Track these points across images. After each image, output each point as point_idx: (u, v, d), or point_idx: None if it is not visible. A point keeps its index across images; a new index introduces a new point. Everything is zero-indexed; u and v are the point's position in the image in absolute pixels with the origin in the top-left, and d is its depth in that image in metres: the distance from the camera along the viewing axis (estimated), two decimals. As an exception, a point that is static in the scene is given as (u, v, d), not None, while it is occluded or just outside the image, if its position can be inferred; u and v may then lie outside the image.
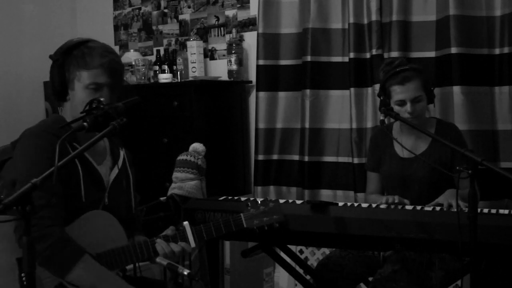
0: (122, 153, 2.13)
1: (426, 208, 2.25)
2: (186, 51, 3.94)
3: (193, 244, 1.97)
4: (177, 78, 3.93)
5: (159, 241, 1.94)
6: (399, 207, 2.31)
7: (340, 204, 2.36)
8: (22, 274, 1.73)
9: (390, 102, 2.52)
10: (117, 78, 1.97)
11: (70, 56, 1.94)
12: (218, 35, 4.04)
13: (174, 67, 4.02)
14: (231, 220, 2.02)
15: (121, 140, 2.18)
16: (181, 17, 4.25)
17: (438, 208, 2.25)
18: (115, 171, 2.05)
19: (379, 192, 2.72)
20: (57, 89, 1.96)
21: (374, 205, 2.35)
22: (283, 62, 3.64)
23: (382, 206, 2.33)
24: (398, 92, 2.49)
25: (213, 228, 2.01)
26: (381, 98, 2.54)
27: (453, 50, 3.06)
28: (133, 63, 4.05)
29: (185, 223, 1.99)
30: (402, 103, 2.49)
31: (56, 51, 1.97)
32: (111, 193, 2.01)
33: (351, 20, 3.35)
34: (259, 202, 2.08)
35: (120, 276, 2.04)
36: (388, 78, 2.52)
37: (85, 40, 2.00)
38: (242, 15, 3.94)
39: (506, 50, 3.02)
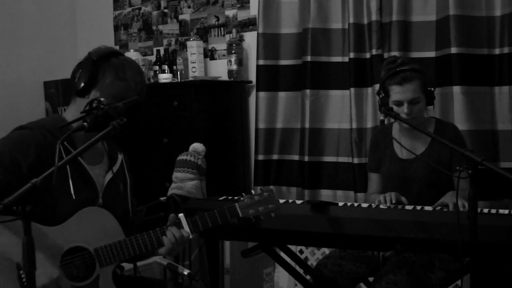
0: (120, 157, 2.14)
1: (426, 208, 2.25)
2: (186, 51, 3.94)
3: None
4: (177, 78, 3.93)
5: (170, 228, 1.95)
6: (399, 207, 2.31)
7: (340, 204, 2.36)
8: (21, 272, 1.74)
9: (388, 101, 2.51)
10: (141, 100, 2.04)
11: (108, 61, 1.99)
12: (218, 35, 4.04)
13: (174, 67, 4.02)
14: (226, 210, 2.01)
15: (120, 145, 2.20)
16: (181, 17, 4.25)
17: (438, 208, 2.25)
18: (110, 174, 2.06)
19: (380, 193, 2.71)
20: (79, 86, 1.96)
21: (374, 205, 2.35)
22: (283, 62, 3.64)
23: (382, 206, 2.33)
24: (396, 92, 2.49)
25: (209, 218, 2.00)
26: (380, 96, 2.54)
27: (453, 50, 3.06)
28: (133, 63, 4.05)
29: (180, 215, 2.00)
30: (399, 103, 2.48)
31: (95, 52, 2.00)
32: (106, 195, 2.02)
33: (351, 20, 3.35)
34: (253, 192, 2.07)
35: (118, 274, 2.05)
36: (388, 77, 2.52)
37: (120, 52, 2.12)
38: (242, 15, 3.94)
39: (506, 50, 3.02)
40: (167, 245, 1.94)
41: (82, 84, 1.95)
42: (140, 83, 2.03)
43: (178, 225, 1.97)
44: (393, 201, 2.35)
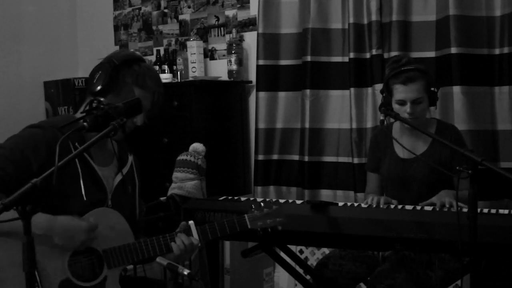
0: (130, 158, 2.15)
1: (426, 208, 2.25)
2: (186, 51, 3.94)
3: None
4: (177, 78, 3.93)
5: (179, 234, 1.96)
6: (399, 207, 2.31)
7: (340, 204, 2.36)
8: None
9: (391, 100, 2.51)
10: (156, 109, 2.07)
11: (129, 68, 1.98)
12: (218, 35, 4.04)
13: (174, 67, 4.02)
14: (236, 221, 2.04)
15: (130, 146, 2.19)
16: (181, 17, 4.25)
17: (438, 208, 2.25)
18: (120, 176, 2.06)
19: (378, 193, 2.72)
20: (96, 88, 1.94)
21: (374, 205, 2.35)
22: (283, 62, 3.64)
23: (382, 206, 2.33)
24: (399, 92, 2.49)
25: (218, 228, 2.02)
26: (384, 94, 2.55)
27: (453, 50, 3.06)
28: (133, 63, 4.04)
29: (191, 222, 2.01)
30: (402, 103, 2.49)
31: (116, 55, 1.99)
32: (115, 196, 2.02)
33: (351, 20, 3.35)
34: (262, 204, 2.09)
35: (123, 276, 2.05)
36: (392, 76, 2.52)
37: (143, 58, 2.09)
38: (242, 15, 3.94)
39: (506, 50, 3.02)
40: (175, 251, 1.95)
41: (100, 87, 1.93)
42: (158, 93, 2.04)
43: (188, 232, 1.98)
44: (381, 205, 2.36)
